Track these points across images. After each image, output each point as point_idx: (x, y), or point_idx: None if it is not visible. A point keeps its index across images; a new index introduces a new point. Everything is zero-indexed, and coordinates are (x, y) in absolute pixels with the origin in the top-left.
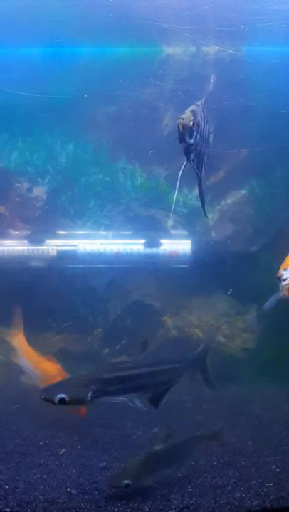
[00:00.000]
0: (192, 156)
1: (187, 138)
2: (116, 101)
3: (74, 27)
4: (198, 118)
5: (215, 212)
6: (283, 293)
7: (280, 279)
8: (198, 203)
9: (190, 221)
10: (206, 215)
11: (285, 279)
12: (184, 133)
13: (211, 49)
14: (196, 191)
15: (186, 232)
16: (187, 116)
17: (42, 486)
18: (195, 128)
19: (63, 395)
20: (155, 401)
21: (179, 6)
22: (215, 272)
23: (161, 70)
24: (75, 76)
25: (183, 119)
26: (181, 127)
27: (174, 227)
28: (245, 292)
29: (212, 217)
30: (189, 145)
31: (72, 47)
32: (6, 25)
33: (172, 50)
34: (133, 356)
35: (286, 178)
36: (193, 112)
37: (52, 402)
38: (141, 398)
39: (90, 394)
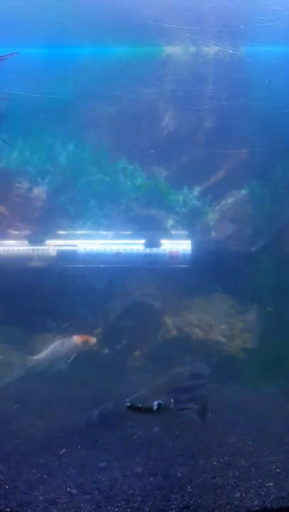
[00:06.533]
0: None
1: None
2: (116, 101)
3: (74, 27)
4: None
5: (215, 212)
6: None
7: None
8: (198, 203)
9: (190, 221)
10: None
11: None
12: None
13: (211, 49)
14: (196, 191)
15: (186, 232)
16: None
17: (42, 486)
18: None
19: (160, 402)
20: (202, 413)
21: (179, 6)
22: (215, 271)
23: (161, 70)
24: (75, 76)
25: None
26: None
27: (174, 227)
28: (245, 292)
29: (212, 217)
30: None
31: (72, 47)
32: (6, 25)
33: (172, 50)
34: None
35: (286, 178)
36: None
37: (150, 410)
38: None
39: (172, 401)
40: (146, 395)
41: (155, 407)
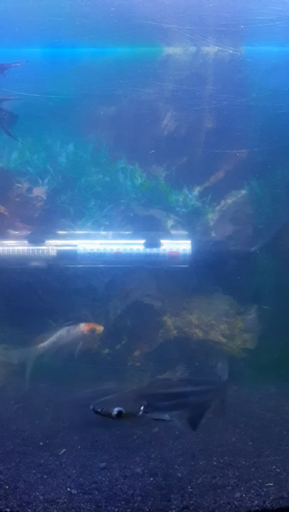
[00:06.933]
0: None
1: None
2: (116, 101)
3: (74, 27)
4: None
5: (215, 212)
6: None
7: None
8: (198, 203)
9: (190, 221)
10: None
11: None
12: None
13: (211, 49)
14: (196, 191)
15: (186, 232)
16: None
17: (42, 486)
18: None
19: (120, 409)
20: (194, 422)
21: (179, 6)
22: (215, 272)
23: (161, 70)
24: (75, 76)
25: None
26: None
27: (174, 227)
28: (245, 292)
29: (212, 217)
30: None
31: (72, 47)
32: (6, 25)
33: (172, 50)
34: (178, 373)
35: (286, 178)
36: None
37: (109, 415)
38: (180, 418)
39: (141, 409)
40: (115, 399)
41: (114, 413)
